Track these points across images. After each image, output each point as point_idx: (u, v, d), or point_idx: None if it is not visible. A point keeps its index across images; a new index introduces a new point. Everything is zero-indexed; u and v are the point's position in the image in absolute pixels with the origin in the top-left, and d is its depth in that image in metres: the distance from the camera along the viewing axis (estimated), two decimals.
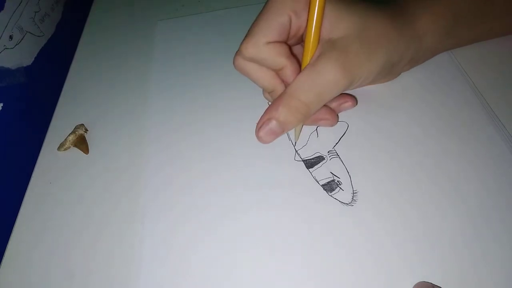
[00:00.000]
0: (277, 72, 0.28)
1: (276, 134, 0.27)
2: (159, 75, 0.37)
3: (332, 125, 0.30)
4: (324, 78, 0.25)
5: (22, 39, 0.39)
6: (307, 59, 0.26)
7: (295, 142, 0.30)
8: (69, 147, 0.33)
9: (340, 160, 0.28)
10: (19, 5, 0.39)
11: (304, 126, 0.30)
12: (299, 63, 0.27)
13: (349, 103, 0.30)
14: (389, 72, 0.29)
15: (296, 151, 0.29)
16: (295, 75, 0.26)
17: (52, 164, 0.32)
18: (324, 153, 0.28)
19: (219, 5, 0.43)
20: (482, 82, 0.30)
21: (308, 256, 0.24)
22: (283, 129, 0.27)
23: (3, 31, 0.36)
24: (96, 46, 0.42)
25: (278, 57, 0.26)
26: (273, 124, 0.26)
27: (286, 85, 0.27)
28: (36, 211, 0.29)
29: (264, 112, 0.27)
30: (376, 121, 0.29)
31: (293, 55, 0.27)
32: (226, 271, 0.24)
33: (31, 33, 0.41)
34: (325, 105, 0.28)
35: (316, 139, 0.29)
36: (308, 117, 0.27)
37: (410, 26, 0.27)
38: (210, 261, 0.25)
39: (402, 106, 0.30)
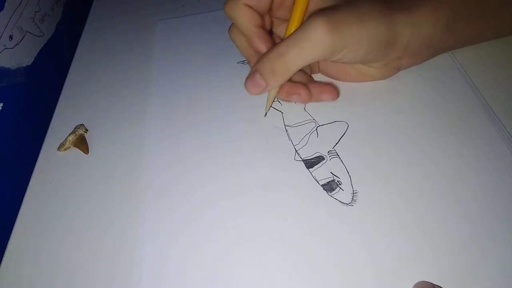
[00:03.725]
0: (250, 41, 0.29)
1: (260, 87, 0.28)
2: (159, 75, 0.37)
3: (304, 102, 0.30)
4: (308, 32, 0.25)
5: (22, 39, 0.39)
6: (291, 28, 0.27)
7: (266, 114, 0.31)
8: (69, 147, 0.33)
9: (340, 160, 0.28)
10: (19, 5, 0.39)
11: (301, 125, 0.30)
12: (270, 39, 0.29)
13: (328, 95, 0.30)
14: (383, 54, 0.28)
15: (296, 151, 0.29)
16: (262, 45, 0.28)
17: (52, 164, 0.32)
18: (324, 153, 0.28)
19: (219, 5, 0.43)
20: (482, 82, 0.30)
21: (308, 256, 0.24)
22: (266, 82, 0.27)
23: (3, 31, 0.36)
24: (96, 46, 0.42)
25: (248, 23, 0.28)
26: (257, 75, 0.27)
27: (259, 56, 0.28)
28: (36, 211, 0.29)
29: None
30: (376, 121, 0.29)
31: (265, 30, 0.29)
32: (226, 271, 0.24)
33: (31, 33, 0.41)
34: (300, 81, 0.29)
35: (316, 139, 0.29)
36: (288, 73, 0.27)
37: (406, 13, 0.27)
38: (210, 261, 0.25)
39: (402, 106, 0.30)
